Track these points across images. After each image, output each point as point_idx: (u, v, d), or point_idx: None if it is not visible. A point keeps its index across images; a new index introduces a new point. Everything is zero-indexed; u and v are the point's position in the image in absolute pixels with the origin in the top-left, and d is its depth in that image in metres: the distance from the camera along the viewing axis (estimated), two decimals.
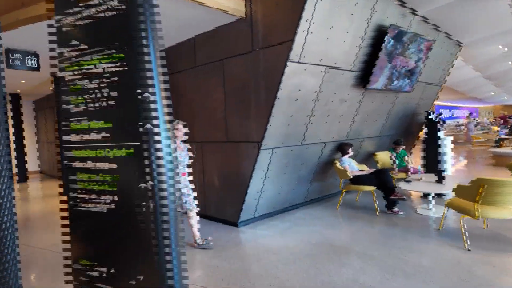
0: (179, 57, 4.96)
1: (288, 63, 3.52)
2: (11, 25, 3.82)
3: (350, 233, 4.00)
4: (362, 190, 4.87)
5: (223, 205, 4.56)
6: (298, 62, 3.63)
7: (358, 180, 4.84)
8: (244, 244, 3.75)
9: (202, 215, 4.89)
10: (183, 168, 3.55)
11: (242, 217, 4.32)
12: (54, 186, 8.19)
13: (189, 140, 5.08)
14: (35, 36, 4.27)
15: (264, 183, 4.30)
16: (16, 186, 9.18)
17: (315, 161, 5.00)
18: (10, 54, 4.71)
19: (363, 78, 4.67)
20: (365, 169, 5.23)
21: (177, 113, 5.16)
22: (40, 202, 6.98)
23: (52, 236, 4.33)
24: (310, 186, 5.22)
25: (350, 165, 5.09)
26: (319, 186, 5.45)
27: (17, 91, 9.34)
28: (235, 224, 4.34)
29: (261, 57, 3.79)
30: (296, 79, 3.76)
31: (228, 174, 4.43)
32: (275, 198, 4.68)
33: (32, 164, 11.21)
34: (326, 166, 5.29)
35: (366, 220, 4.44)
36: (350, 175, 4.85)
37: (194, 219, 3.62)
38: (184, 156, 3.59)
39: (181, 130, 3.62)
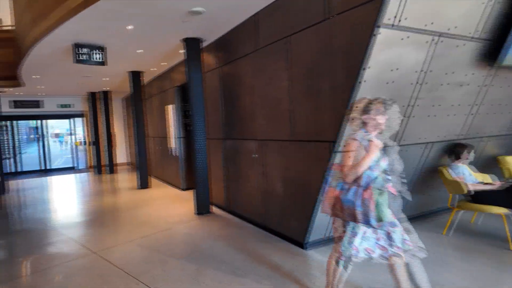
0: (241, 40, 4.25)
1: (379, 30, 2.45)
2: (66, 15, 3.65)
3: (468, 276, 2.71)
4: (486, 211, 3.42)
5: (286, 218, 3.71)
6: (394, 27, 2.51)
7: (481, 197, 3.41)
8: (310, 278, 2.82)
9: (263, 226, 4.12)
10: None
11: (311, 237, 3.39)
12: (131, 179, 8.48)
13: (248, 138, 4.35)
14: (101, 27, 4.09)
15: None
16: (100, 177, 9.95)
17: (414, 167, 3.73)
18: (77, 49, 4.68)
19: (492, 51, 3.22)
20: (489, 181, 3.72)
21: (238, 106, 4.49)
22: (111, 196, 7.21)
23: (113, 238, 4.14)
24: (405, 200, 3.96)
25: (469, 176, 3.67)
26: (419, 200, 4.12)
27: (107, 88, 10.07)
28: (300, 244, 3.44)
29: (337, 26, 2.78)
30: (390, 53, 2.64)
31: (293, 181, 3.55)
32: None
33: (121, 156, 12.20)
34: (429, 175, 3.95)
35: (493, 256, 3.05)
36: (468, 189, 3.44)
37: (402, 273, 2.16)
38: (384, 159, 2.17)
39: (382, 118, 2.10)
